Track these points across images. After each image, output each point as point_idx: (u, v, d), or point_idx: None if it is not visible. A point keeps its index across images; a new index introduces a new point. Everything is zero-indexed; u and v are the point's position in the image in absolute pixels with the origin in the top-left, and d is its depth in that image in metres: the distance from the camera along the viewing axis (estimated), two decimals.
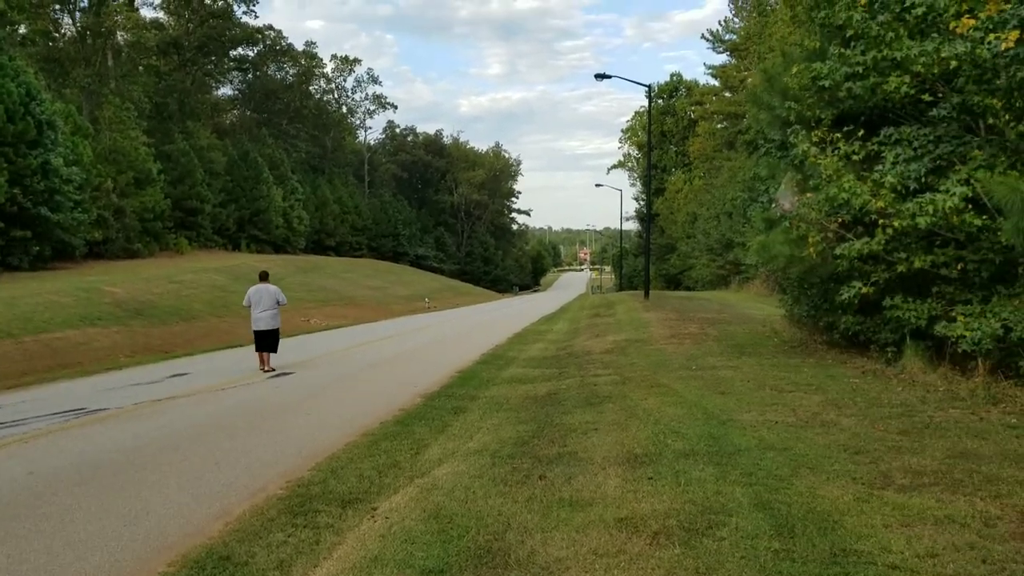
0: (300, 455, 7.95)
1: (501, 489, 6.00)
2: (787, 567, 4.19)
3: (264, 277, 15.83)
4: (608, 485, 5.89)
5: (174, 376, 14.77)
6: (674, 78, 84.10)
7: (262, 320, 15.16)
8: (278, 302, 15.36)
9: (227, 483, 6.93)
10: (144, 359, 18.91)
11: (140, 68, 58.14)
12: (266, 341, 15.21)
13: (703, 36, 71.39)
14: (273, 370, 15.03)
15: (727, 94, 68.10)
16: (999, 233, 8.59)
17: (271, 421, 9.82)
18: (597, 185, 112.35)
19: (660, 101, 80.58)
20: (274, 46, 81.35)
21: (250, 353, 16.00)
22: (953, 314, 9.25)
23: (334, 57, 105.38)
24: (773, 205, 12.59)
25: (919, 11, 9.33)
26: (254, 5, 73.64)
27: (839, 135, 10.51)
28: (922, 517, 4.81)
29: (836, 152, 10.29)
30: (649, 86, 35.20)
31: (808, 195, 10.94)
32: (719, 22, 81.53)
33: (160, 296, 28.96)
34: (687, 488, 5.63)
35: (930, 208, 8.86)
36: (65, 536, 5.57)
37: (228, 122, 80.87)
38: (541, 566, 4.48)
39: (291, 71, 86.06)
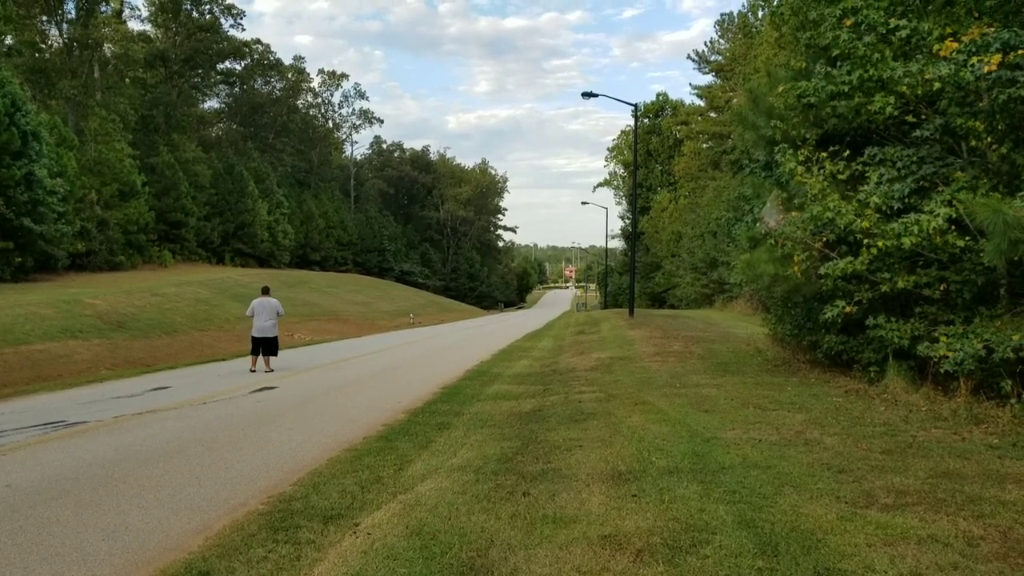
0: (282, 470, 7.88)
1: (485, 506, 5.97)
2: None
3: (266, 291, 18.09)
4: (592, 502, 5.87)
5: (156, 389, 14.64)
6: (660, 98, 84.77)
7: (262, 328, 17.27)
8: (278, 313, 17.61)
9: (208, 498, 6.85)
10: (126, 372, 18.75)
11: (126, 80, 58.04)
12: (265, 346, 17.39)
13: (689, 57, 72.11)
14: (272, 370, 17.24)
15: (712, 114, 68.66)
16: (981, 254, 8.65)
17: (253, 435, 9.73)
18: (583, 203, 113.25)
19: (646, 120, 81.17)
20: (261, 60, 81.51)
21: (233, 367, 16.36)
22: (936, 334, 9.30)
23: (321, 72, 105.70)
24: (758, 223, 12.65)
25: (903, 33, 9.44)
26: (242, 19, 73.85)
27: (824, 154, 10.60)
28: (905, 536, 4.82)
29: (821, 171, 10.36)
30: (635, 105, 35.38)
31: (793, 214, 11.00)
32: (705, 43, 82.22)
33: (142, 309, 28.77)
34: (671, 506, 5.61)
35: (915, 229, 8.92)
36: (42, 550, 5.48)
37: (214, 135, 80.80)
38: None
39: (278, 85, 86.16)
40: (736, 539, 4.85)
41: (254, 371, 17.12)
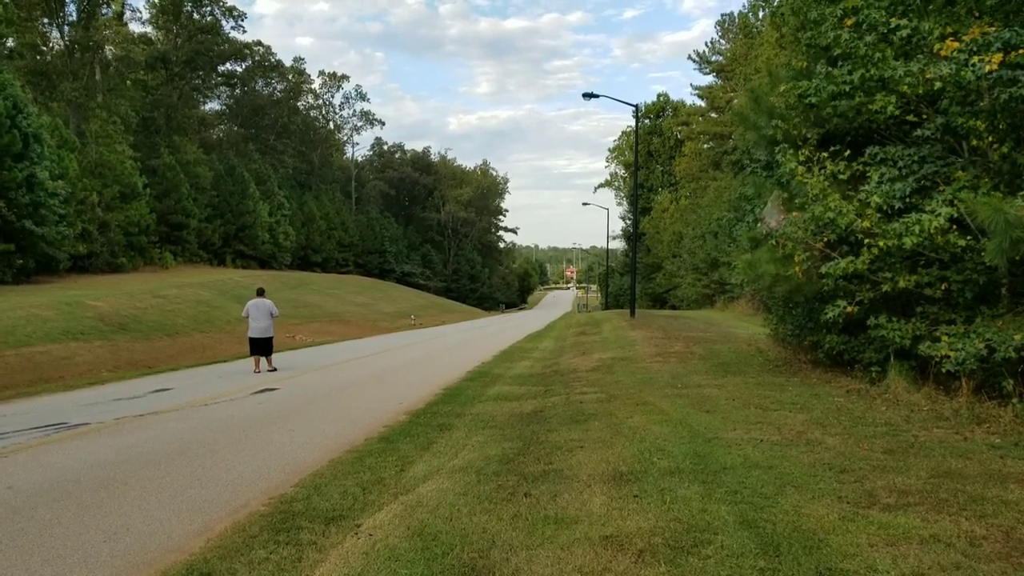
0: (283, 471, 7.88)
1: (486, 506, 5.96)
2: None
3: (261, 293, 18.37)
4: (593, 503, 5.86)
5: (157, 391, 14.64)
6: (661, 98, 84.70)
7: (258, 329, 17.52)
8: (271, 314, 17.83)
9: (209, 499, 6.85)
10: (127, 374, 18.75)
11: (128, 82, 57.99)
12: (261, 347, 17.63)
13: (690, 57, 72.11)
14: (275, 369, 17.66)
15: (713, 114, 68.69)
16: (982, 254, 8.64)
17: (254, 437, 9.73)
18: (584, 204, 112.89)
19: (647, 121, 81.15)
20: (262, 62, 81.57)
21: (234, 368, 16.50)
22: (937, 334, 9.29)
23: (322, 73, 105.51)
24: (759, 224, 12.64)
25: (904, 33, 9.43)
26: (243, 21, 73.99)
27: (825, 154, 10.59)
28: (907, 536, 4.81)
29: (822, 171, 10.35)
30: (636, 106, 35.37)
31: (794, 214, 11.00)
32: (706, 43, 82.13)
33: (144, 311, 28.78)
34: (672, 506, 5.61)
35: (916, 228, 8.92)
36: (43, 552, 5.48)
37: (215, 137, 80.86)
38: None
39: (279, 87, 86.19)
40: (738, 539, 4.84)
41: (258, 372, 17.44)
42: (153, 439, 9.64)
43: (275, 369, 17.70)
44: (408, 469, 7.70)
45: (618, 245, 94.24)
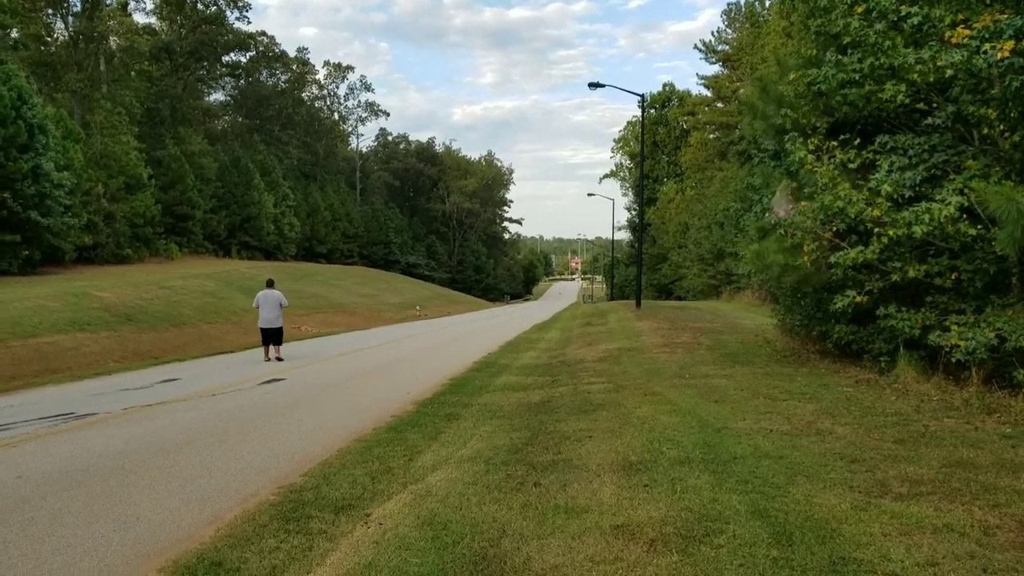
0: (292, 460, 7.87)
1: (496, 496, 5.95)
2: (786, 575, 4.15)
3: (270, 284, 18.84)
4: (603, 492, 5.84)
5: (164, 381, 14.66)
6: (667, 88, 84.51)
7: (267, 319, 18.02)
8: (281, 304, 18.26)
9: (218, 488, 6.85)
10: (134, 364, 18.78)
11: (132, 73, 57.96)
12: (272, 336, 18.18)
13: (696, 47, 72.21)
14: (282, 359, 17.96)
15: (719, 104, 68.52)
16: (993, 243, 8.59)
17: (263, 427, 9.73)
18: (589, 194, 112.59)
19: (653, 111, 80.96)
20: (267, 52, 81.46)
21: (241, 359, 16.78)
22: (947, 324, 9.25)
23: (326, 64, 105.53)
24: (767, 213, 12.59)
25: (915, 20, 9.36)
26: (247, 11, 73.86)
27: (835, 143, 10.53)
28: (921, 526, 4.78)
29: (832, 160, 10.30)
30: (642, 96, 35.20)
31: (803, 203, 10.94)
32: (712, 33, 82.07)
33: (150, 302, 28.83)
34: (683, 495, 5.59)
35: (926, 217, 8.87)
36: (53, 541, 5.48)
37: (220, 128, 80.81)
38: (537, 573, 4.42)
39: (283, 77, 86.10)
40: (750, 529, 4.82)
41: (268, 360, 17.85)
42: (162, 429, 9.65)
43: (282, 359, 17.89)
44: (417, 459, 7.69)
45: (623, 236, 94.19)
